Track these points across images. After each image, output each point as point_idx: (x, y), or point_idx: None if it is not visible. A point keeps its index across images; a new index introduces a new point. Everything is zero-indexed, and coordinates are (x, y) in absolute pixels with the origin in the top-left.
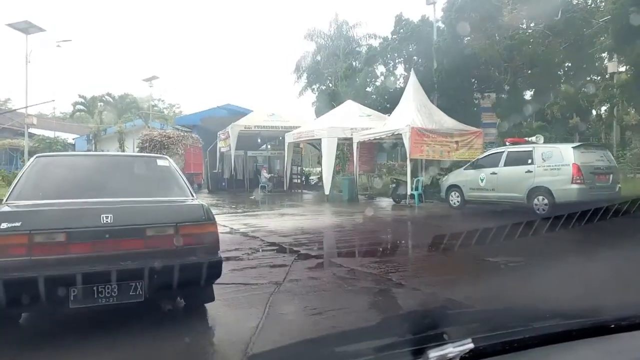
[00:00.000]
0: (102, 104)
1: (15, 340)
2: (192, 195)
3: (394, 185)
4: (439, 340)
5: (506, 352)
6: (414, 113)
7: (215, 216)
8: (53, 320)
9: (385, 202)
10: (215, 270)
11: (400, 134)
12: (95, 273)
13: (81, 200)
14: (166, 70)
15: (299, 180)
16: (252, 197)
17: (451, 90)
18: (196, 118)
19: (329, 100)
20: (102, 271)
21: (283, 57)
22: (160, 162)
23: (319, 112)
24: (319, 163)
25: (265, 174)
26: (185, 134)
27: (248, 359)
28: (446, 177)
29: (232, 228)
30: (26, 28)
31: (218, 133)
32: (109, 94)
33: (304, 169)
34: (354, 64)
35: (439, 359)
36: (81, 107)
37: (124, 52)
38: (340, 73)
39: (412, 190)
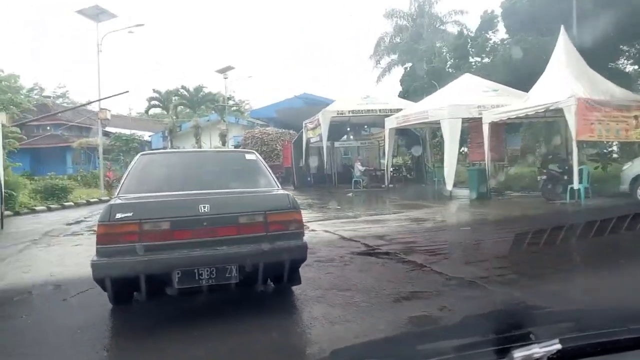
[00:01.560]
0: (176, 97)
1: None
2: (278, 186)
3: (544, 177)
4: (524, 340)
5: (597, 354)
6: (572, 81)
7: (329, 222)
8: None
9: (530, 199)
10: (301, 254)
11: (557, 110)
12: (197, 257)
13: (181, 192)
14: (233, 62)
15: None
16: (350, 195)
17: (599, 56)
18: (271, 110)
19: (429, 79)
20: (202, 255)
21: (356, 44)
22: (248, 156)
23: (415, 94)
24: (395, 155)
25: (359, 167)
26: (284, 131)
27: (331, 354)
28: (628, 164)
29: (368, 245)
30: (96, 14)
31: (304, 122)
32: (183, 87)
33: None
34: (465, 32)
35: (524, 359)
36: (156, 102)
37: (194, 41)
38: (438, 47)
39: (578, 183)
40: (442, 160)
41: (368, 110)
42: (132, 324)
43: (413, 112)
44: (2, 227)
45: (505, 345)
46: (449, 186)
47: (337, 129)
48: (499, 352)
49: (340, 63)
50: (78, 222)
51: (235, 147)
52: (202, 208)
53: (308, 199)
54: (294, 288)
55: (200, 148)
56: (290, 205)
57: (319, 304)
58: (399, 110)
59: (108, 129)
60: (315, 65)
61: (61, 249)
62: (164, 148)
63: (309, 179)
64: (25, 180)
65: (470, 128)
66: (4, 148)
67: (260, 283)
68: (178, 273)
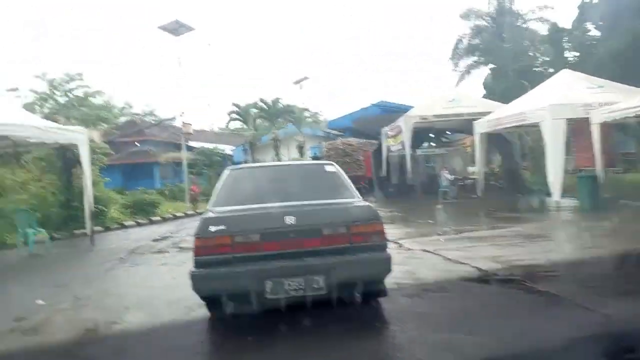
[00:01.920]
0: (255, 110)
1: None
2: (359, 197)
3: None
4: None
5: None
6: None
7: (424, 239)
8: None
9: None
10: (385, 266)
11: None
12: (285, 267)
13: (268, 205)
14: (308, 72)
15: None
16: (439, 207)
17: None
18: (347, 120)
19: (517, 79)
20: (290, 266)
21: (428, 49)
22: (327, 168)
23: (502, 96)
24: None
25: (447, 176)
26: (365, 141)
27: None
28: None
29: (481, 269)
30: (176, 29)
31: (383, 130)
32: (262, 100)
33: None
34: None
35: None
36: (236, 115)
37: (269, 52)
38: (526, 45)
39: None
40: (538, 166)
41: (455, 114)
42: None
43: (506, 114)
44: (92, 244)
45: None
46: (556, 196)
47: (417, 135)
48: None
49: (414, 68)
50: (164, 238)
51: (312, 159)
52: (289, 220)
53: (393, 211)
54: (409, 328)
55: (280, 160)
56: (373, 217)
57: (448, 354)
58: (488, 113)
59: (192, 143)
60: (386, 75)
61: (147, 269)
62: (245, 161)
63: (390, 189)
64: (116, 195)
65: (574, 130)
66: (93, 164)
67: (347, 295)
68: (269, 283)
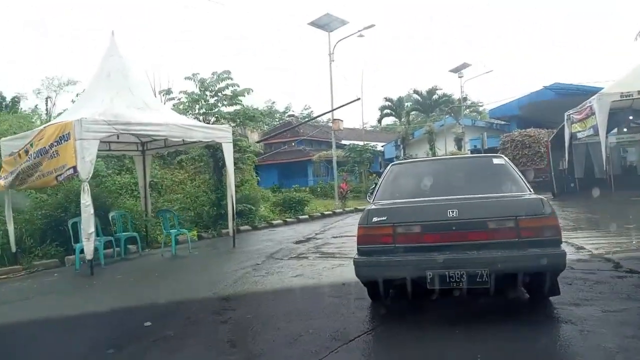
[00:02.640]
0: (409, 104)
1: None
2: (529, 190)
3: None
4: None
5: None
6: None
7: None
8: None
9: None
10: (557, 263)
11: None
12: (447, 260)
13: (430, 198)
14: (469, 59)
15: None
16: None
17: None
18: (513, 107)
19: None
20: (452, 258)
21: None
22: (495, 161)
23: None
24: None
25: None
26: (547, 130)
27: None
28: None
29: None
30: (327, 23)
31: (567, 114)
32: (415, 91)
33: None
34: None
35: None
36: (388, 110)
37: (425, 40)
38: None
39: None
40: None
41: None
42: None
43: None
44: (233, 246)
45: None
46: None
47: (610, 118)
48: None
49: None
50: (307, 240)
51: (471, 152)
52: (451, 213)
53: (583, 212)
54: None
55: (435, 155)
56: (544, 211)
57: None
58: None
59: (343, 141)
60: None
61: (278, 280)
62: (397, 157)
63: (572, 184)
64: (270, 193)
65: None
66: (244, 163)
67: (513, 289)
68: (430, 274)
